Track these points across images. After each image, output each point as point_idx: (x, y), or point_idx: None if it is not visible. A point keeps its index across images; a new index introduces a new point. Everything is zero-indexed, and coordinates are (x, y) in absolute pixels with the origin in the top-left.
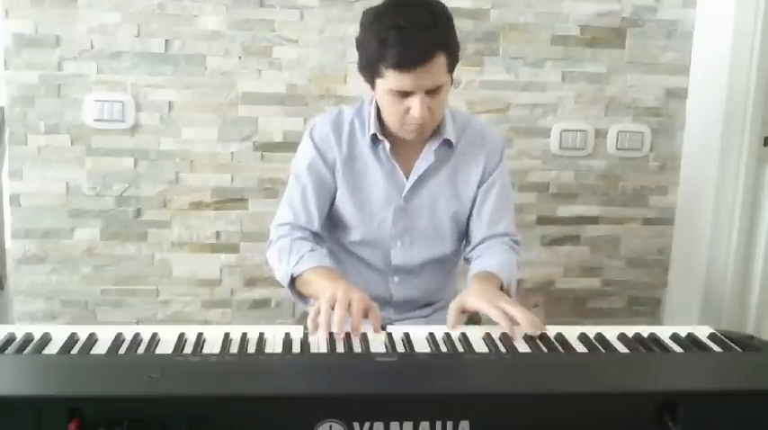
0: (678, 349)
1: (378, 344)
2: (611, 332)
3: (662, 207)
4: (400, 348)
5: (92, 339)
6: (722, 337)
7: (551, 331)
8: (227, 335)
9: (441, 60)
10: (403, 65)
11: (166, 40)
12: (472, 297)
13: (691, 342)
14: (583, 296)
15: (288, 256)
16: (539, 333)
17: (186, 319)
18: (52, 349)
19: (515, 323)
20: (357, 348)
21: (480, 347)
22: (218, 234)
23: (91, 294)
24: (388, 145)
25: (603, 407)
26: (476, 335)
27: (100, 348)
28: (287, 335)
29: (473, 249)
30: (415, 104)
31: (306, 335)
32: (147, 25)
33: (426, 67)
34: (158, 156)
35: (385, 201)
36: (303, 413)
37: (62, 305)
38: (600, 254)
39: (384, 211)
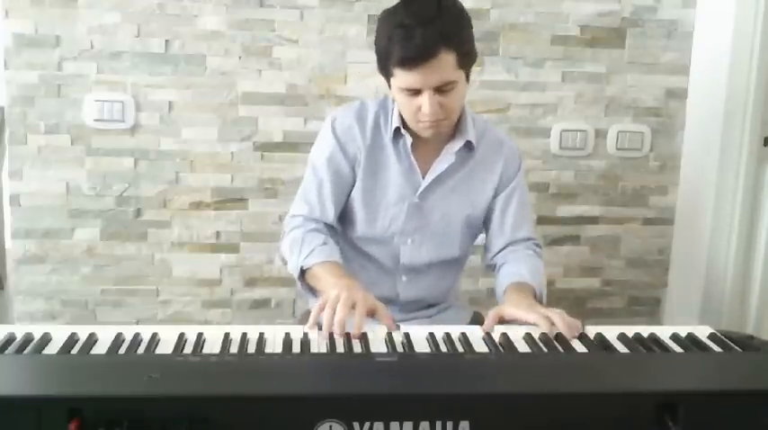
0: (678, 349)
1: (378, 344)
2: (611, 332)
3: (662, 207)
4: (400, 348)
5: (92, 339)
6: (722, 337)
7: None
8: (227, 335)
9: (447, 56)
10: (406, 62)
11: (166, 40)
12: (510, 306)
13: (691, 342)
14: (583, 296)
15: (299, 248)
16: (577, 334)
17: (186, 319)
18: (52, 349)
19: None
20: (357, 348)
21: (480, 347)
22: (218, 234)
23: (91, 294)
24: (409, 140)
25: (603, 407)
26: (476, 335)
27: (100, 348)
28: (287, 335)
29: (495, 255)
30: (425, 102)
31: (306, 335)
32: (147, 25)
33: (431, 64)
34: (158, 156)
35: (399, 197)
36: (303, 413)
37: (62, 305)
38: (600, 254)
39: (397, 208)
